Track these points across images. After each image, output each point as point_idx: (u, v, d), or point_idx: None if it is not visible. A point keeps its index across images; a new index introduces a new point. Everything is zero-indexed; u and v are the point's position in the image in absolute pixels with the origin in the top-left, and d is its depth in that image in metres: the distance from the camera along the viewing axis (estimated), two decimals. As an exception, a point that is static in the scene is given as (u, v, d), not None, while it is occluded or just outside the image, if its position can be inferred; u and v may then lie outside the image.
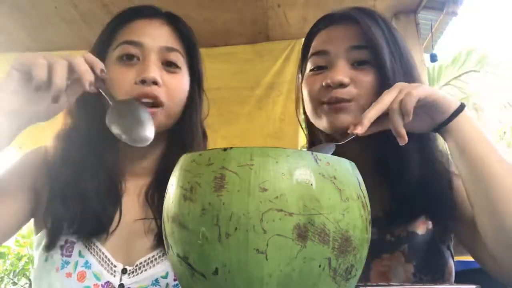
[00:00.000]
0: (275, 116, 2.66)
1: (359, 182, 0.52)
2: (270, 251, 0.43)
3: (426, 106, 0.78)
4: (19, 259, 4.03)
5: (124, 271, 0.89)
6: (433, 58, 2.68)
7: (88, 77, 0.74)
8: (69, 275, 0.87)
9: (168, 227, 0.51)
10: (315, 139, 1.09)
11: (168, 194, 0.52)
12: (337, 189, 0.47)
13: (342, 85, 0.89)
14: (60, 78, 0.71)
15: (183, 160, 0.52)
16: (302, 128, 1.14)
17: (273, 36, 2.60)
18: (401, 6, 2.34)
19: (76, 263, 0.88)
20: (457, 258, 1.00)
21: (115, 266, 0.89)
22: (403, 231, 0.92)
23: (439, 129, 0.81)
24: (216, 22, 2.43)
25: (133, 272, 0.90)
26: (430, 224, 0.94)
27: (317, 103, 0.95)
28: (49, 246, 0.89)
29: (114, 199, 0.94)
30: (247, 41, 2.59)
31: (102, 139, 0.91)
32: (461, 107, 0.80)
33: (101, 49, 0.96)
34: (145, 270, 0.91)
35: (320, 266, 0.45)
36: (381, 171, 0.93)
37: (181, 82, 0.97)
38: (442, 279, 0.93)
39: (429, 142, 0.91)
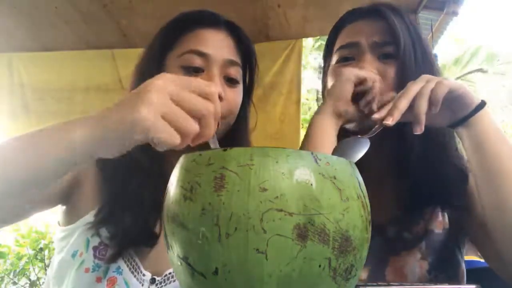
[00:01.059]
0: (275, 116, 2.66)
1: (359, 182, 0.52)
2: (270, 251, 0.43)
3: (452, 99, 0.78)
4: (19, 259, 4.03)
5: (152, 280, 0.87)
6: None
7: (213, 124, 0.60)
8: (99, 279, 0.84)
9: (168, 227, 0.51)
10: None
11: (168, 194, 0.52)
12: (337, 189, 0.47)
13: None
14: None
15: (183, 160, 0.52)
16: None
17: (273, 36, 2.59)
18: (401, 6, 2.34)
19: (108, 268, 0.85)
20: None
21: (144, 275, 0.87)
22: (421, 229, 0.93)
23: (458, 125, 0.81)
24: (216, 22, 2.43)
25: (161, 283, 0.87)
26: (447, 224, 0.95)
27: None
28: (114, 257, 0.84)
29: (159, 209, 0.91)
30: (247, 41, 2.59)
31: (148, 150, 0.88)
32: (483, 104, 0.79)
33: (161, 51, 0.94)
34: (174, 281, 0.88)
35: (320, 266, 0.45)
36: (397, 169, 0.93)
37: (239, 95, 0.96)
38: (457, 279, 0.93)
39: (447, 139, 0.92)
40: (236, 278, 0.44)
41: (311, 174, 0.46)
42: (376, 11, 0.97)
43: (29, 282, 4.02)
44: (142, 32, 2.34)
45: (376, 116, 0.77)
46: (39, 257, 4.02)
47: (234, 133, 0.99)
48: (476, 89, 10.71)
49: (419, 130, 0.75)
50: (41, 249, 4.01)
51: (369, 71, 0.88)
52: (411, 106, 0.76)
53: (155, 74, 0.84)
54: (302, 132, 2.74)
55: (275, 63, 2.62)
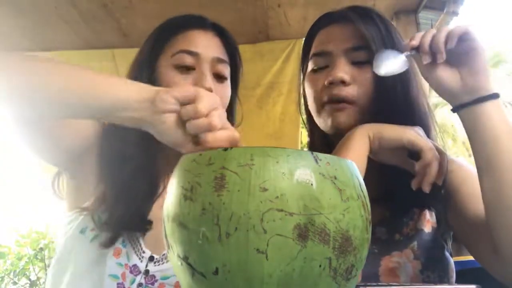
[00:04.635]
0: (275, 116, 2.66)
1: (359, 182, 0.52)
2: (270, 251, 0.43)
3: (463, 53, 0.78)
4: (19, 259, 4.04)
5: (151, 258, 0.93)
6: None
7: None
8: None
9: (168, 227, 0.51)
10: (316, 138, 1.10)
11: (168, 194, 0.52)
12: (337, 189, 0.47)
13: (343, 82, 0.92)
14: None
15: (184, 160, 0.52)
16: (305, 126, 1.17)
17: (273, 36, 2.59)
18: (401, 5, 2.34)
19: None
20: (457, 259, 1.00)
21: (143, 252, 0.93)
22: (411, 230, 0.94)
23: (465, 106, 0.80)
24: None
25: (159, 261, 0.94)
26: (435, 223, 0.95)
27: (319, 103, 0.97)
28: (111, 241, 0.90)
29: (153, 198, 0.97)
30: (247, 41, 2.59)
31: (141, 140, 0.93)
32: (496, 95, 0.79)
33: (152, 54, 1.01)
34: None
35: (320, 266, 0.45)
36: (378, 174, 0.94)
37: (228, 90, 1.05)
38: (447, 277, 0.93)
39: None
40: (236, 278, 0.44)
41: (312, 174, 0.46)
42: (346, 16, 0.97)
43: (29, 282, 4.02)
44: (142, 32, 2.32)
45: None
46: (39, 257, 4.03)
47: None
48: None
49: (441, 59, 0.77)
50: (41, 249, 4.01)
51: (429, 145, 0.85)
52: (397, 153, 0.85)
53: (148, 77, 0.96)
54: (302, 132, 2.75)
55: (275, 63, 2.62)
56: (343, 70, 0.93)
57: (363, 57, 0.93)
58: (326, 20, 1.02)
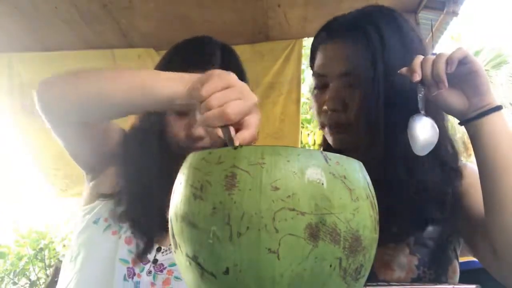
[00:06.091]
0: (275, 116, 2.66)
1: (367, 182, 0.52)
2: (282, 251, 0.43)
3: (464, 75, 0.79)
4: (19, 259, 4.04)
5: (158, 249, 1.02)
6: (433, 58, 2.66)
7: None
8: (116, 235, 1.00)
9: (176, 226, 0.51)
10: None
11: (176, 193, 0.52)
12: (347, 188, 0.47)
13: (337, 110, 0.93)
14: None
15: (192, 158, 0.52)
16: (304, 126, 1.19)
17: (273, 36, 2.59)
18: (401, 5, 2.34)
19: (127, 230, 1.00)
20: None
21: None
22: (409, 225, 0.93)
23: (471, 120, 0.81)
24: (216, 22, 2.42)
25: (166, 251, 1.03)
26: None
27: (321, 123, 1.00)
28: (144, 253, 0.98)
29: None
30: (247, 41, 2.58)
31: (161, 146, 1.01)
32: (499, 107, 0.80)
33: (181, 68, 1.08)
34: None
35: (331, 266, 0.45)
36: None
37: None
38: (445, 276, 0.93)
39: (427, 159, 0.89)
40: (247, 278, 0.44)
41: (322, 174, 0.46)
42: (340, 34, 0.95)
43: (29, 282, 4.02)
44: (142, 32, 2.33)
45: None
46: (39, 257, 4.03)
47: None
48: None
49: (444, 87, 0.77)
50: (41, 249, 4.01)
51: None
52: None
53: None
54: (302, 132, 2.75)
55: (275, 63, 2.61)
56: (335, 98, 0.93)
57: (355, 81, 0.92)
58: (324, 36, 1.00)
